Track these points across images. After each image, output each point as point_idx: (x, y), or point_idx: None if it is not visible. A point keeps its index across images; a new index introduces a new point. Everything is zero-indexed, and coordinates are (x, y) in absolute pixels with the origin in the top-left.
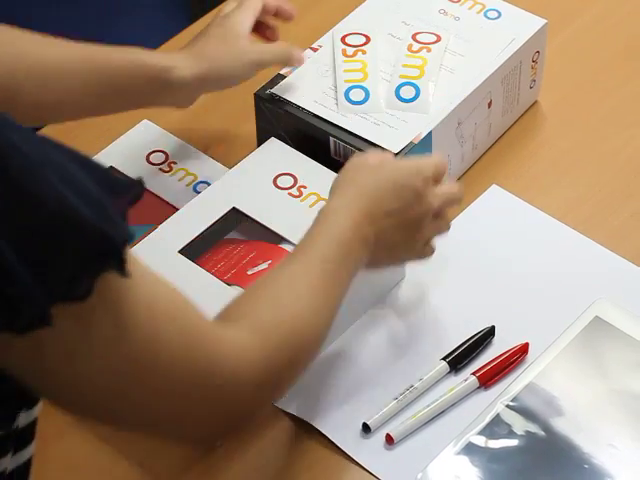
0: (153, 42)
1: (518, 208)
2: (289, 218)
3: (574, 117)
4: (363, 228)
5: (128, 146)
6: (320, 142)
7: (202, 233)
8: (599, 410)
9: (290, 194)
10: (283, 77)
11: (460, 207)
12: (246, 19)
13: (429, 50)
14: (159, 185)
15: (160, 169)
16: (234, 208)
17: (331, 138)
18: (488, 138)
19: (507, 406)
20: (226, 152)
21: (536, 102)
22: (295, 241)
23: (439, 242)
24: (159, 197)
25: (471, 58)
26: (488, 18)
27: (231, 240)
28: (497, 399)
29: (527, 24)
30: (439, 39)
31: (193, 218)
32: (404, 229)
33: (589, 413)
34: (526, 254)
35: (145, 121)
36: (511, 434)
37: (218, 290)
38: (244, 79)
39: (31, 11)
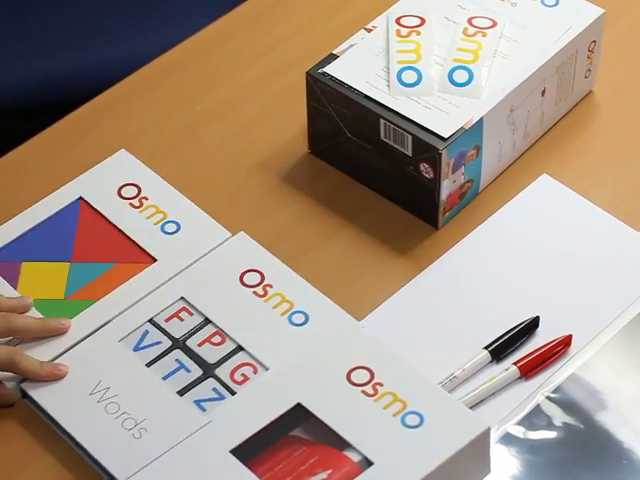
0: (194, 25)
1: (568, 198)
2: (358, 420)
3: (629, 108)
4: None
5: (100, 176)
6: (370, 124)
7: (261, 430)
8: None
9: (364, 392)
10: (336, 57)
11: (509, 195)
12: None
13: (484, 35)
14: (126, 221)
15: (130, 204)
16: (299, 404)
17: (381, 120)
18: (540, 127)
19: (547, 397)
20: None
21: (591, 92)
22: (360, 448)
23: (486, 228)
24: (125, 234)
25: (526, 45)
26: (545, 5)
27: (295, 439)
28: (538, 390)
29: (584, 13)
30: (495, 24)
31: (252, 412)
32: None
33: (632, 408)
34: (574, 245)
35: (122, 151)
36: (550, 426)
37: None
38: None
39: None
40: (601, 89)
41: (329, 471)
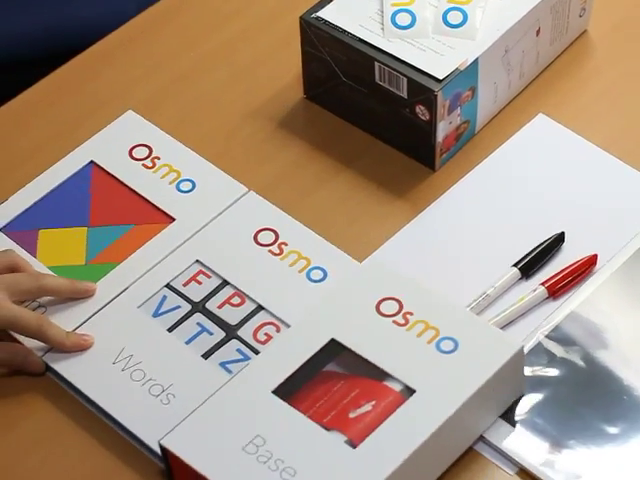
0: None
1: (564, 137)
2: (394, 350)
3: (623, 47)
4: None
5: (110, 139)
6: (365, 67)
7: (298, 369)
8: None
9: (395, 322)
10: (329, 1)
11: (506, 136)
12: None
13: None
14: (140, 182)
15: (143, 164)
16: (333, 339)
17: (376, 63)
18: (536, 67)
19: (547, 336)
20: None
21: (585, 31)
22: (400, 377)
23: (483, 169)
24: (140, 195)
25: None
26: None
27: (330, 374)
28: (538, 328)
29: None
30: None
31: (288, 351)
32: None
33: (632, 345)
34: (571, 183)
35: (130, 112)
36: (551, 363)
37: (317, 437)
38: None
39: None
40: (596, 28)
41: (373, 402)
